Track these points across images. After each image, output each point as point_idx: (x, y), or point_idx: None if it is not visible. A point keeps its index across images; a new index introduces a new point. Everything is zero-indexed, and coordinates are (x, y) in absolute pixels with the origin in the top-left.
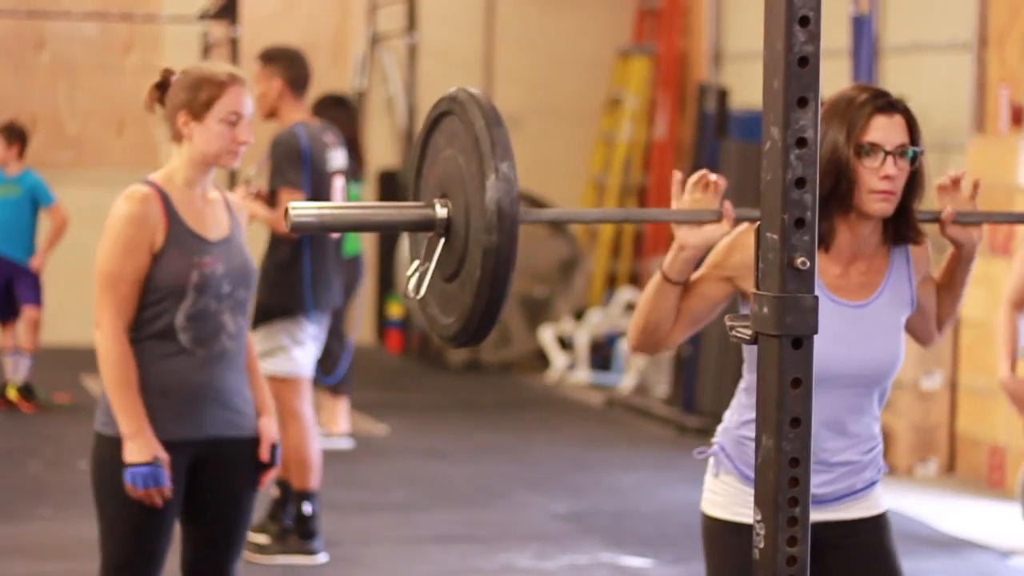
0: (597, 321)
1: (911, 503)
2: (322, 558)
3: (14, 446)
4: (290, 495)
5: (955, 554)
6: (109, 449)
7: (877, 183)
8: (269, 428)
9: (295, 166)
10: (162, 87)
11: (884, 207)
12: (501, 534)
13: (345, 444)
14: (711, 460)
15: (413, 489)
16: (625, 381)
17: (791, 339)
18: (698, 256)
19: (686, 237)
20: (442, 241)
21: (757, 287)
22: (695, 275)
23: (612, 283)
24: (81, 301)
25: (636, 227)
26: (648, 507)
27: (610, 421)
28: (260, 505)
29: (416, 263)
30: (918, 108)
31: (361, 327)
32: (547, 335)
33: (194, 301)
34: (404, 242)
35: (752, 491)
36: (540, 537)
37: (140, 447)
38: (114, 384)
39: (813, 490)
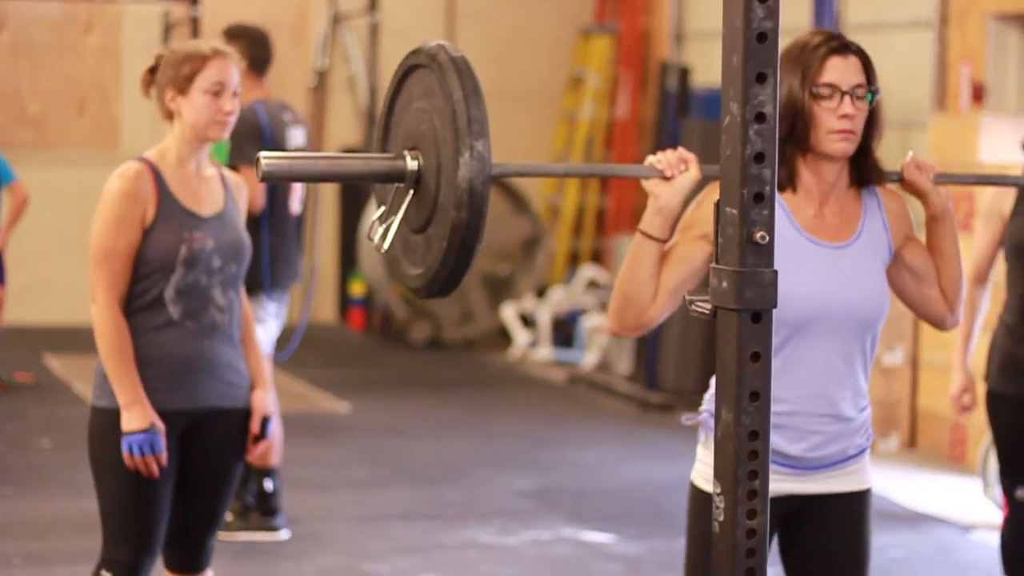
0: (559, 299)
1: (873, 478)
2: (284, 535)
3: None
4: (251, 472)
5: (917, 528)
6: (103, 421)
7: (836, 123)
8: (262, 401)
9: (254, 143)
10: (155, 71)
11: (844, 146)
12: (463, 511)
13: None
14: (700, 428)
15: (375, 466)
16: (587, 358)
17: (750, 313)
18: (673, 209)
19: (658, 188)
20: (411, 193)
21: (716, 261)
22: (669, 244)
23: (574, 261)
24: (43, 280)
25: (598, 206)
26: (610, 483)
27: (572, 398)
28: None
29: (382, 209)
30: (879, 86)
31: (323, 305)
32: (509, 313)
33: (183, 275)
34: (366, 220)
35: None
36: (502, 513)
37: (137, 415)
38: (109, 355)
39: (809, 453)
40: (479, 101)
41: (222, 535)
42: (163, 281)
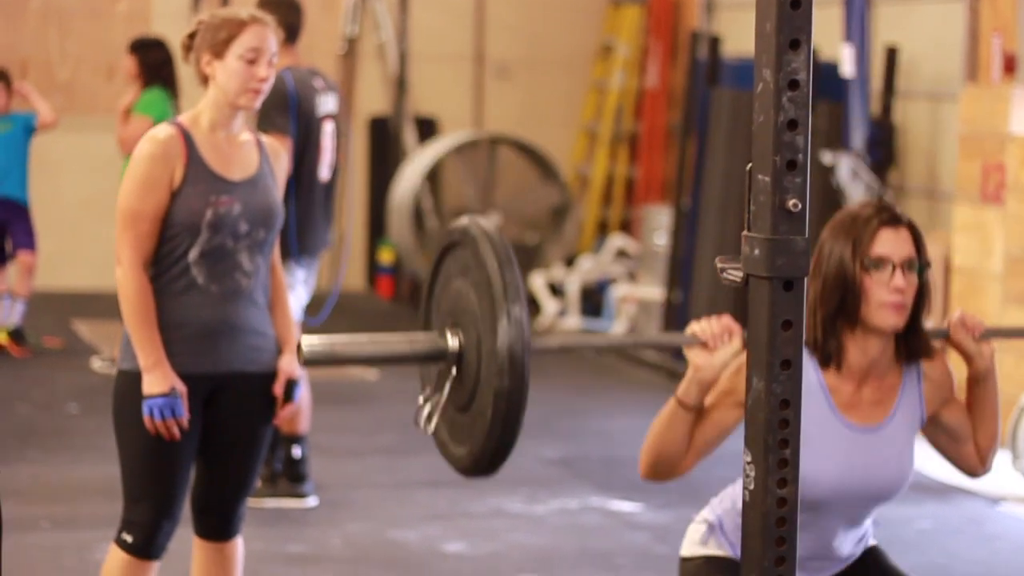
0: (588, 268)
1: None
2: (312, 501)
3: (4, 390)
4: (280, 439)
5: (945, 500)
6: (127, 383)
7: (887, 296)
8: (289, 364)
9: (282, 111)
10: (194, 36)
11: (896, 320)
12: (491, 479)
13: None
14: (702, 529)
15: (403, 433)
16: (616, 327)
17: (782, 281)
18: (712, 379)
19: (699, 358)
20: (453, 372)
21: (748, 229)
22: (707, 402)
23: (603, 230)
24: (72, 246)
25: (627, 175)
26: (638, 452)
27: (600, 367)
28: None
29: (427, 391)
30: (910, 57)
31: (352, 273)
32: (538, 281)
33: (208, 238)
34: (396, 187)
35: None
36: (530, 482)
37: (158, 379)
38: (132, 318)
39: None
40: (513, 268)
41: (250, 502)
42: (188, 244)
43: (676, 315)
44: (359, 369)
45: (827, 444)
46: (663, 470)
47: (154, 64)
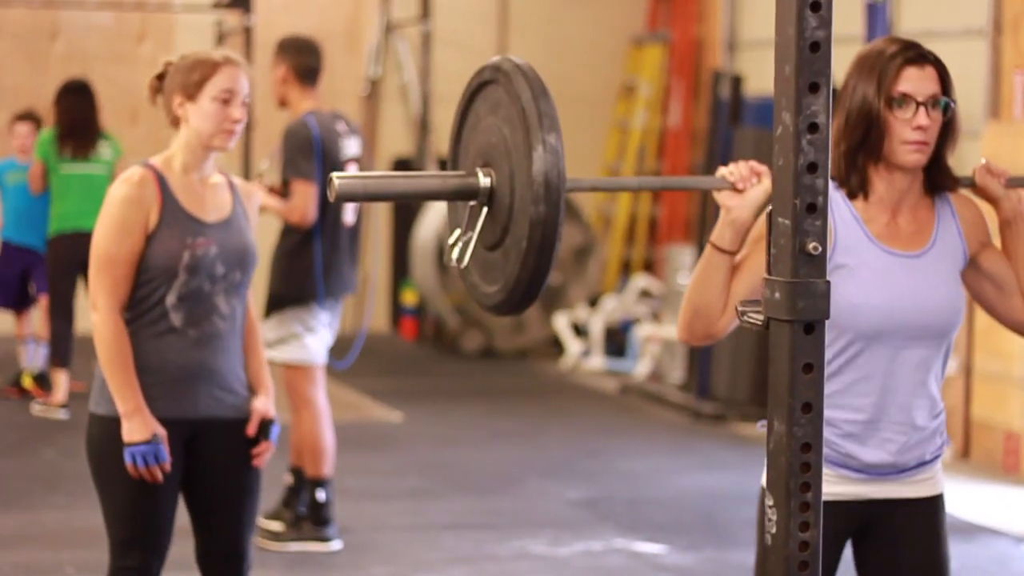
0: (612, 308)
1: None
2: (336, 545)
3: (29, 434)
4: (304, 482)
5: (970, 539)
6: (101, 428)
7: (910, 134)
8: (262, 405)
9: (306, 156)
10: (163, 78)
11: (917, 158)
12: (515, 521)
13: (62, 415)
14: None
15: (427, 476)
16: (639, 368)
17: (803, 324)
18: (745, 222)
19: (730, 200)
20: (485, 210)
21: (769, 272)
22: (740, 255)
23: (626, 270)
24: None
25: (650, 214)
26: (662, 493)
27: (624, 407)
28: (273, 493)
29: (458, 231)
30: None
31: (376, 314)
32: (561, 322)
33: (185, 281)
34: (419, 229)
35: (829, 470)
36: (554, 523)
37: (138, 425)
38: (110, 363)
39: (885, 460)
40: (548, 98)
41: (274, 545)
42: (165, 287)
43: (699, 355)
44: (383, 412)
45: (870, 271)
46: (700, 327)
47: (58, 108)
